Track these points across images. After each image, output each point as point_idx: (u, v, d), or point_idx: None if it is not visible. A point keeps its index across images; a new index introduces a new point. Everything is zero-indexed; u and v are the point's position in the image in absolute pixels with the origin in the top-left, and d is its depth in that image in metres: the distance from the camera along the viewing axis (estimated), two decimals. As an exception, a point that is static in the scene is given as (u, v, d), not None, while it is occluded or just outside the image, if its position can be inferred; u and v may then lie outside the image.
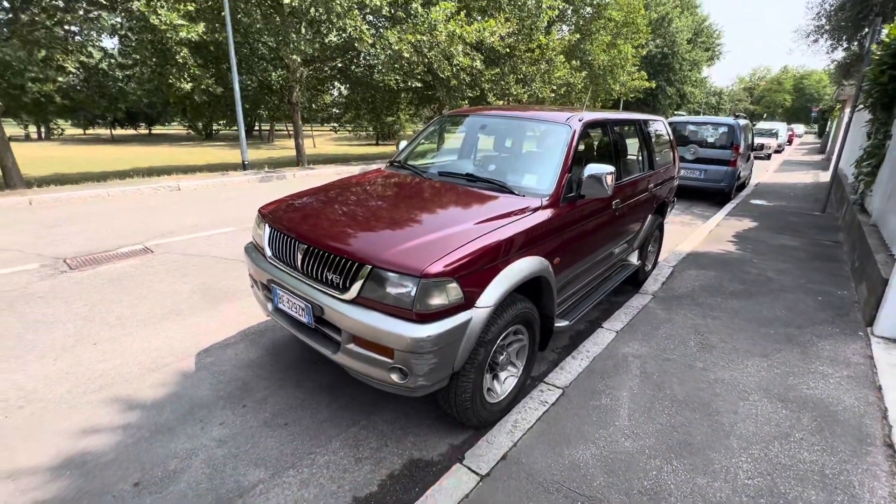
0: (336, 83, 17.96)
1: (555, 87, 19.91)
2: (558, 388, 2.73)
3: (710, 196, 9.05)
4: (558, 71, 19.30)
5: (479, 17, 16.41)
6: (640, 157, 3.93)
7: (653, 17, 32.08)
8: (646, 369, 2.92)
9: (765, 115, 62.36)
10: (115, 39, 12.93)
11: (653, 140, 4.11)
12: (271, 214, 2.57)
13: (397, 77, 13.43)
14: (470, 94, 17.27)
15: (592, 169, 2.63)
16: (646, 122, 4.04)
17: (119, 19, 11.75)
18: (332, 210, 2.52)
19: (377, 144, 30.17)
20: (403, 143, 3.71)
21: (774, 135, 21.03)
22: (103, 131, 34.03)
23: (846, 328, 3.44)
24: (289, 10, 12.15)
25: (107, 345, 3.14)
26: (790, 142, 28.82)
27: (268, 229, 2.51)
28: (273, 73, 14.40)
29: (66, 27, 10.57)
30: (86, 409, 2.49)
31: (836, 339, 3.27)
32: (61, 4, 10.33)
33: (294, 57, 13.01)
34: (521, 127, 3.23)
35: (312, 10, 11.68)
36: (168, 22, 9.57)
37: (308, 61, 14.39)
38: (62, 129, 26.43)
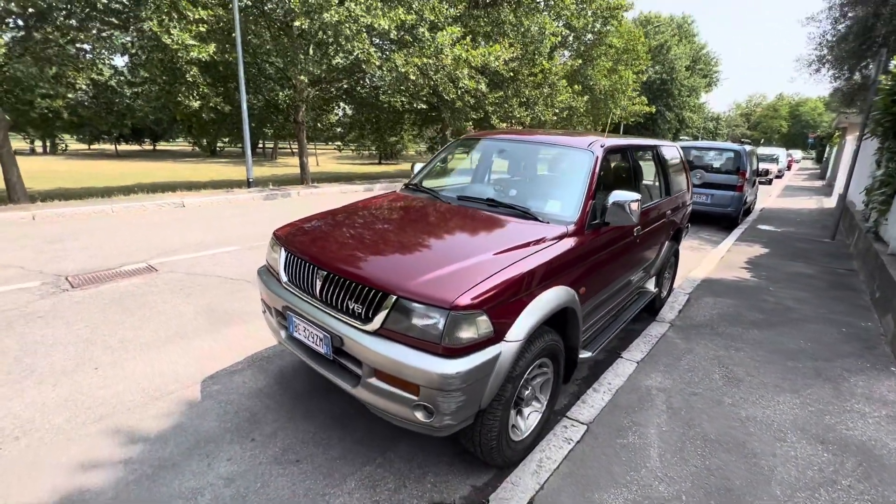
0: (341, 103, 18.19)
1: (557, 111, 20.18)
2: (582, 423, 2.60)
3: (718, 221, 9.01)
4: (561, 95, 19.58)
5: (484, 42, 16.74)
6: (658, 183, 3.88)
7: (652, 44, 32.83)
8: (672, 404, 2.79)
9: (762, 141, 63.22)
10: (125, 57, 13.13)
11: (669, 166, 4.07)
12: (287, 237, 2.48)
13: (403, 98, 13.58)
14: (474, 116, 17.49)
15: (618, 196, 2.56)
16: (662, 147, 4.00)
17: (130, 38, 11.94)
18: (352, 235, 2.43)
19: (380, 163, 30.41)
20: (418, 166, 3.66)
21: (775, 160, 21.23)
22: (108, 146, 34.32)
23: (876, 363, 3.32)
24: (298, 32, 12.36)
25: (108, 369, 3.00)
26: (789, 167, 29.11)
27: (284, 253, 2.42)
28: (280, 93, 14.56)
29: (79, 45, 10.70)
30: (85, 441, 2.35)
31: (868, 375, 3.15)
32: (75, 24, 10.51)
33: (301, 77, 13.17)
34: (542, 152, 3.18)
35: (321, 33, 11.89)
36: (180, 42, 9.70)
37: (315, 82, 14.58)
38: (66, 145, 26.61)
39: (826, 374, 3.14)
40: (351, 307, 2.00)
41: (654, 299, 4.13)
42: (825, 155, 28.41)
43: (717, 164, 8.96)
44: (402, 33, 12.80)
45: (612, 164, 3.26)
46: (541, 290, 2.10)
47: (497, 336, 1.88)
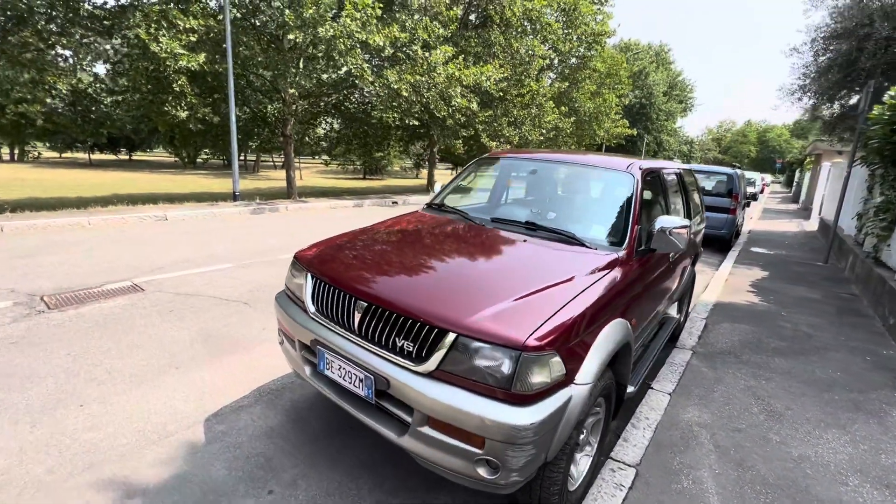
0: (329, 118, 18.00)
1: (544, 131, 20.48)
2: (630, 466, 2.41)
3: (711, 243, 9.10)
4: (548, 115, 19.90)
5: (475, 62, 16.90)
6: (682, 206, 3.80)
7: (633, 69, 33.97)
8: (718, 442, 2.63)
9: (735, 165, 65.84)
10: (107, 65, 12.67)
11: (690, 187, 4.01)
12: (314, 262, 2.24)
13: (395, 114, 13.48)
14: (464, 134, 17.55)
15: (666, 222, 2.43)
16: (684, 170, 3.94)
17: (112, 45, 11.53)
18: (389, 260, 2.21)
19: (364, 178, 30.13)
20: (439, 185, 3.48)
21: (752, 183, 21.98)
22: (80, 155, 33.03)
23: (909, 394, 3.25)
24: (290, 45, 12.19)
25: (95, 406, 2.66)
26: (762, 191, 30.23)
27: (310, 280, 2.18)
28: (269, 106, 14.27)
29: (59, 51, 10.25)
30: (70, 496, 2.02)
31: (906, 408, 3.07)
32: (54, 28, 10.07)
33: (291, 90, 12.96)
34: (578, 173, 3.04)
35: (311, 48, 11.75)
36: (168, 50, 9.38)
37: (305, 95, 14.38)
38: (39, 152, 25.48)
39: (866, 408, 3.05)
40: (399, 344, 1.77)
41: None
42: (795, 179, 29.66)
43: (709, 187, 9.09)
44: (395, 51, 12.78)
45: (647, 187, 3.15)
46: (603, 325, 1.92)
47: (567, 379, 1.68)
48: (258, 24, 11.98)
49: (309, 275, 2.19)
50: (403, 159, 33.78)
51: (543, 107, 19.54)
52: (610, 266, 2.19)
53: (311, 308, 2.13)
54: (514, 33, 18.50)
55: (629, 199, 2.60)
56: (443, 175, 31.03)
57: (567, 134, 22.62)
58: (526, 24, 19.28)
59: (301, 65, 12.58)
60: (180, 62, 9.66)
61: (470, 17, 19.16)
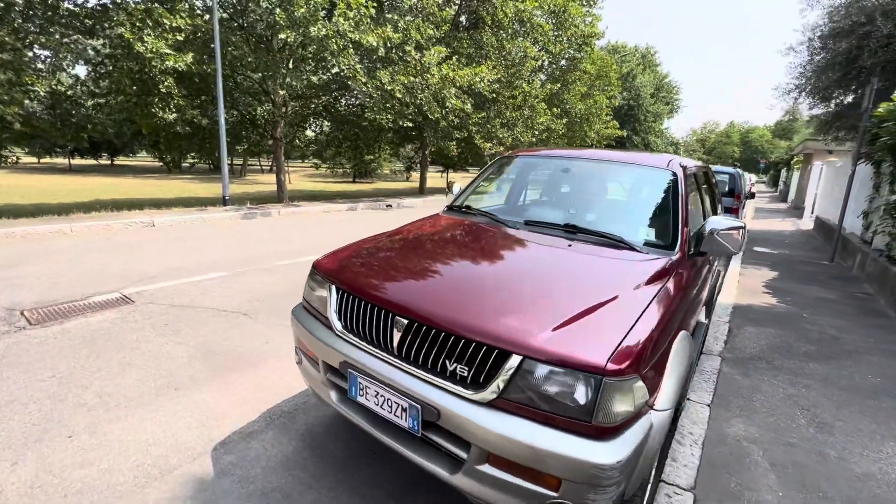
0: (320, 119, 17.65)
1: (537, 132, 20.41)
2: (685, 489, 2.19)
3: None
4: (540, 117, 19.85)
5: (467, 63, 16.75)
6: (710, 205, 3.63)
7: (622, 71, 34.22)
8: (773, 460, 2.44)
9: (736, 165, 66.84)
10: (88, 67, 12.19)
11: (714, 187, 3.85)
12: (340, 272, 1.99)
13: (389, 116, 13.23)
14: (457, 136, 17.37)
15: (716, 223, 2.25)
16: (710, 169, 3.78)
17: (96, 46, 11.09)
18: (425, 269, 1.97)
19: (353, 182, 29.73)
20: (458, 187, 3.26)
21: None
22: (60, 160, 32.04)
23: (955, 399, 3.11)
24: (280, 45, 11.87)
25: (86, 437, 2.36)
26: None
27: (335, 292, 1.93)
28: (258, 108, 13.90)
29: (38, 51, 9.80)
30: (62, 550, 1.73)
31: (957, 414, 2.92)
32: (32, 28, 9.62)
33: (281, 92, 12.63)
34: (614, 171, 2.83)
35: (301, 49, 11.45)
36: (154, 50, 9.01)
37: (296, 97, 14.05)
38: (17, 157, 24.57)
39: (916, 416, 2.89)
40: (452, 369, 1.53)
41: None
42: (781, 179, 30.10)
43: (711, 187, 9.02)
44: (388, 52, 12.54)
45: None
46: (673, 340, 1.71)
47: (646, 404, 1.46)
48: (246, 24, 11.63)
49: (333, 287, 1.94)
50: (393, 162, 33.48)
51: (536, 108, 19.49)
52: (667, 272, 1.99)
53: (338, 325, 1.88)
54: (505, 35, 18.43)
55: (675, 199, 2.40)
56: (434, 178, 30.81)
57: (559, 135, 22.61)
58: (517, 25, 19.24)
59: (291, 65, 12.27)
60: (167, 62, 9.29)
61: (461, 19, 19.04)
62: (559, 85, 21.81)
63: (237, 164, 33.86)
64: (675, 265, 2.07)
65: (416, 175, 30.44)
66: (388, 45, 12.25)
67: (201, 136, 13.68)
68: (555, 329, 1.46)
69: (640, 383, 1.39)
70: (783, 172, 29.67)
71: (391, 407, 1.63)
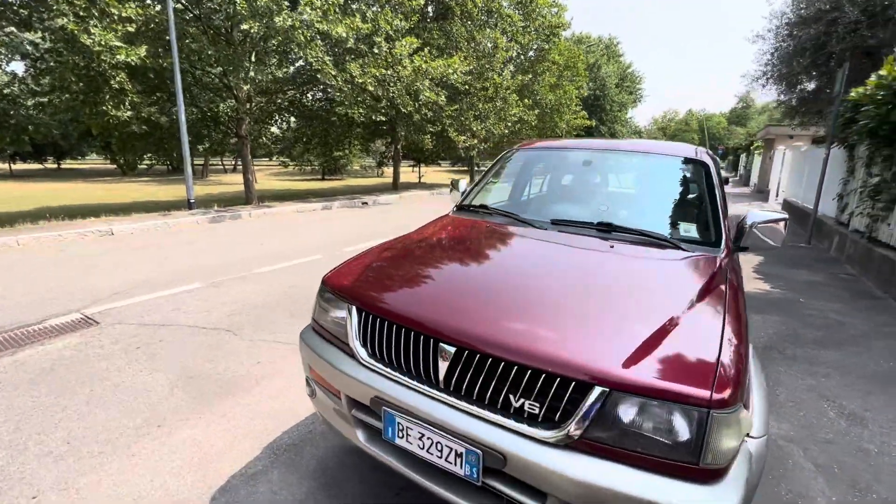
0: (286, 115, 16.89)
1: (510, 124, 20.33)
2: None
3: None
4: (513, 108, 19.76)
5: (437, 56, 16.41)
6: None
7: (588, 62, 34.60)
8: (816, 460, 2.33)
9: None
10: (26, 61, 11.14)
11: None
12: (360, 289, 1.71)
13: (361, 110, 12.76)
14: (431, 130, 17.04)
15: (759, 216, 2.10)
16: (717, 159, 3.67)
17: (33, 39, 10.11)
18: (464, 285, 1.71)
19: (323, 179, 28.85)
20: (464, 183, 3.00)
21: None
22: (1, 165, 29.59)
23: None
24: (241, 37, 11.19)
25: (55, 497, 2.00)
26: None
27: (357, 314, 1.65)
28: (221, 104, 13.12)
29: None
30: None
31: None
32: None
33: (245, 87, 11.94)
34: (640, 163, 2.64)
35: (262, 42, 10.82)
36: (103, 43, 8.25)
37: (261, 92, 13.36)
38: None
39: (938, 400, 2.88)
40: (515, 404, 1.29)
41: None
42: (741, 163, 31.29)
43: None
44: (357, 43, 12.05)
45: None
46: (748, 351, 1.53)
47: (743, 433, 1.27)
48: (203, 14, 10.87)
49: (353, 308, 1.66)
50: (364, 158, 32.70)
51: (508, 100, 19.37)
52: (723, 274, 1.81)
53: (362, 353, 1.60)
54: (474, 25, 18.18)
55: (710, 190, 2.24)
56: (406, 173, 30.31)
57: (531, 126, 22.63)
58: (485, 16, 19.03)
59: (254, 59, 11.60)
60: (118, 56, 8.54)
61: (429, 9, 18.62)
62: (530, 76, 21.78)
63: (198, 164, 32.28)
64: (726, 264, 1.90)
65: (388, 171, 29.89)
66: (358, 35, 11.77)
67: (159, 135, 12.75)
68: (637, 353, 1.25)
69: (745, 412, 1.20)
70: (742, 157, 30.83)
71: (441, 451, 1.38)
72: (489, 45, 18.24)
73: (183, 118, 10.20)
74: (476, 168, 26.05)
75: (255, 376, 3.05)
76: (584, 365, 1.22)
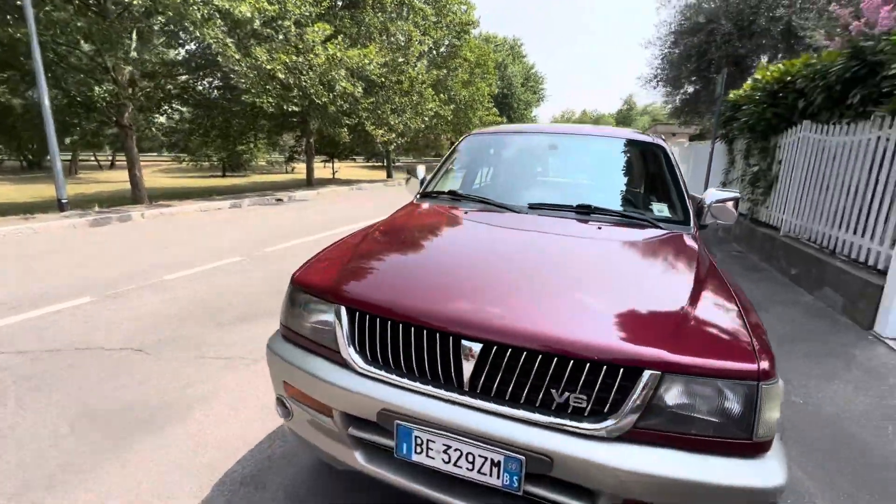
0: (178, 103, 15.00)
1: (426, 119, 20.32)
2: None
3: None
4: (429, 103, 19.78)
5: (350, 45, 15.78)
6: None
7: (497, 59, 35.90)
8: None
9: None
10: None
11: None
12: (348, 287, 1.46)
13: (271, 100, 11.76)
14: (347, 122, 16.35)
15: (717, 195, 2.24)
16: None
17: None
18: (472, 275, 1.54)
19: (224, 176, 26.30)
20: (422, 170, 2.82)
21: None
22: None
23: (851, 332, 3.70)
24: (118, 11, 9.65)
25: None
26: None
27: (347, 316, 1.40)
28: (96, 88, 11.20)
29: None
30: None
31: (862, 346, 3.46)
32: None
33: (127, 69, 10.36)
34: (604, 146, 2.67)
35: (146, 18, 9.46)
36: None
37: (147, 75, 11.68)
38: None
39: (835, 353, 3.36)
40: (558, 399, 1.17)
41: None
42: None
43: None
44: (263, 25, 11.07)
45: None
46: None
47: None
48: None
49: (343, 310, 1.41)
50: (269, 153, 30.43)
51: (424, 94, 19.33)
52: (702, 249, 1.88)
53: (358, 361, 1.36)
54: (388, 16, 17.80)
55: (673, 172, 2.35)
56: (319, 169, 28.84)
57: (447, 121, 22.87)
58: (398, 7, 18.72)
59: (135, 36, 10.06)
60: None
61: (338, -4, 17.80)
62: (444, 71, 21.96)
63: (65, 159, 27.50)
64: (699, 240, 1.99)
65: (298, 166, 28.16)
66: (264, 18, 10.81)
67: (12, 122, 10.53)
68: (678, 333, 1.20)
69: (781, 382, 1.22)
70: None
71: (473, 463, 1.21)
72: (402, 38, 18.00)
73: (47, 102, 8.54)
74: (393, 164, 25.66)
75: (186, 402, 2.57)
76: (635, 350, 1.14)
